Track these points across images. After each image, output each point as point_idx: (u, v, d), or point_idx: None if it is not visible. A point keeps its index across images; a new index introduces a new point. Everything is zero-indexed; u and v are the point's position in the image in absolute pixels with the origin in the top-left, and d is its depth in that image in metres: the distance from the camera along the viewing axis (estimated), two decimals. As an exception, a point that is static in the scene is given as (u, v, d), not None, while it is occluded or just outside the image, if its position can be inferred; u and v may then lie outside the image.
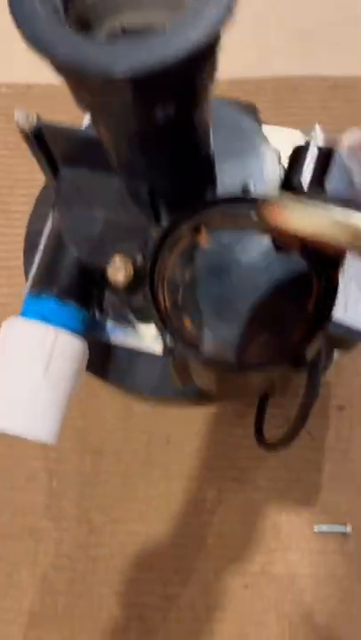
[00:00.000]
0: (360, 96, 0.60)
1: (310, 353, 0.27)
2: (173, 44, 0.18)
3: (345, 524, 0.47)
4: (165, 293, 0.29)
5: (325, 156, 0.25)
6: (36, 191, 0.59)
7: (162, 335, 0.27)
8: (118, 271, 0.26)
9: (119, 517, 0.49)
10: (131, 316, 0.33)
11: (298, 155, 0.26)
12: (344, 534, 0.47)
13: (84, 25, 0.22)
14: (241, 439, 0.50)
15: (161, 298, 0.29)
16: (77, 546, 0.48)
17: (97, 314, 0.35)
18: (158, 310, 0.28)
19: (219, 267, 0.30)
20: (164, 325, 0.27)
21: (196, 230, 0.30)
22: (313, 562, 0.46)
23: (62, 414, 0.30)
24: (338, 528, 0.47)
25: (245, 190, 0.29)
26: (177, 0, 0.22)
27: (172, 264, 0.30)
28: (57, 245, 0.31)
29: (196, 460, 0.50)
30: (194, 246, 0.30)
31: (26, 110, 0.29)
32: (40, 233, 0.36)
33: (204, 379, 0.30)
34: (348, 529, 0.47)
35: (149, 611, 0.46)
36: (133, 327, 0.34)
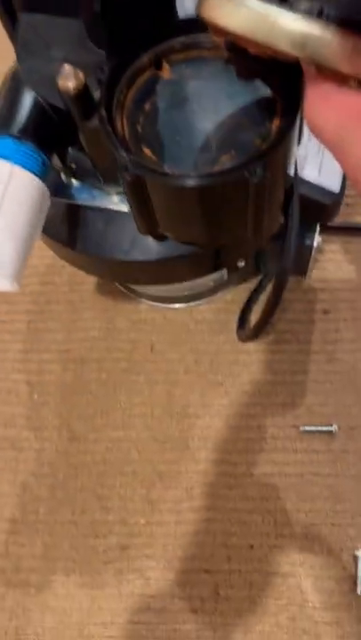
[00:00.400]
0: None
1: (270, 167, 0.26)
2: None
3: (330, 424, 0.46)
4: (125, 123, 0.29)
5: None
6: None
7: (116, 153, 0.26)
8: (67, 79, 0.25)
9: (101, 425, 0.48)
10: (98, 174, 0.33)
11: None
12: (330, 433, 0.45)
13: None
14: (223, 345, 0.49)
15: (119, 126, 0.28)
16: (59, 454, 0.47)
17: (63, 176, 0.34)
18: (115, 133, 0.27)
19: (180, 96, 0.29)
20: (119, 143, 0.27)
21: (158, 62, 0.29)
22: (298, 461, 0.45)
23: (21, 258, 0.29)
24: (324, 427, 0.46)
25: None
26: None
27: (132, 95, 0.29)
28: (15, 87, 0.30)
29: (180, 366, 0.49)
30: (155, 77, 0.29)
31: None
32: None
33: (164, 213, 0.29)
34: (335, 428, 0.45)
35: (132, 515, 0.45)
36: (100, 187, 0.34)
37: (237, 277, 0.49)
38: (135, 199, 0.28)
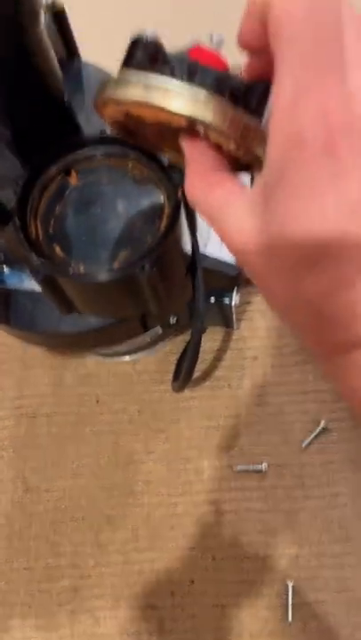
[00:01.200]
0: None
1: (158, 259, 0.31)
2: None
3: (261, 463, 0.50)
4: (38, 226, 0.33)
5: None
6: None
7: (28, 256, 0.31)
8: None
9: (53, 476, 0.52)
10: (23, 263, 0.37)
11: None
12: (260, 472, 0.50)
13: None
14: (164, 394, 0.54)
15: (33, 230, 0.33)
16: (14, 505, 0.51)
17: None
18: (27, 238, 0.32)
19: (86, 200, 0.34)
20: (31, 248, 0.31)
21: (66, 171, 0.34)
22: (233, 499, 0.49)
23: None
24: (255, 466, 0.50)
25: (103, 132, 0.34)
26: None
27: (45, 200, 0.34)
28: None
29: (124, 416, 0.53)
30: (64, 185, 0.34)
31: None
32: None
33: (78, 298, 0.34)
34: (265, 466, 0.50)
35: (83, 558, 0.49)
36: (27, 272, 0.38)
37: (173, 331, 0.54)
38: (49, 291, 0.33)
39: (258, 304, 0.56)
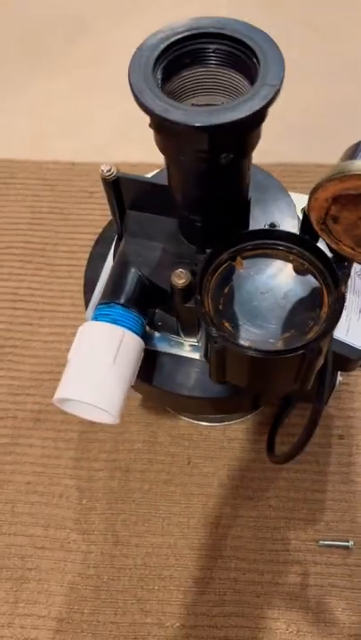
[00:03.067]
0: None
1: (321, 346, 0.35)
2: (239, 112, 0.28)
3: (347, 540, 0.52)
4: (210, 302, 0.38)
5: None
6: (76, 248, 0.69)
7: (207, 328, 0.35)
8: (179, 277, 0.35)
9: (143, 531, 0.54)
10: (177, 328, 0.42)
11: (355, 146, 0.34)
12: (347, 548, 0.52)
13: (175, 98, 0.32)
14: (253, 462, 0.57)
15: (207, 305, 0.37)
16: (104, 556, 0.53)
17: (147, 328, 0.43)
18: (204, 312, 0.36)
19: (251, 284, 0.38)
20: (210, 321, 0.36)
21: (234, 257, 0.39)
22: (318, 573, 0.51)
23: (124, 396, 0.37)
24: (341, 542, 0.52)
25: (272, 225, 0.39)
26: (233, 89, 0.32)
27: (215, 281, 0.39)
28: (123, 266, 0.40)
29: (214, 479, 0.56)
30: (231, 269, 0.39)
31: (109, 164, 0.39)
32: (96, 274, 0.46)
33: (235, 370, 0.38)
34: (351, 543, 0.52)
35: (169, 618, 0.50)
36: (175, 338, 0.42)
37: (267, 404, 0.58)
38: (216, 360, 0.37)
39: (346, 385, 0.60)
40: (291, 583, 0.51)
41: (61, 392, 0.36)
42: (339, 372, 0.52)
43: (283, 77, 0.29)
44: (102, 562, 0.53)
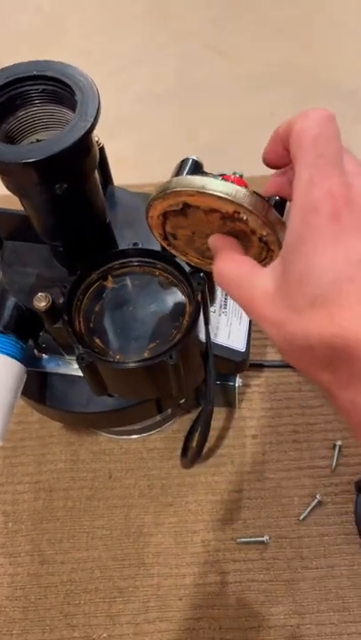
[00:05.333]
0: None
1: (180, 352, 0.37)
2: (57, 145, 0.31)
3: (263, 536, 0.54)
4: (81, 321, 0.40)
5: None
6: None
7: (74, 346, 0.38)
8: (40, 301, 0.37)
9: (68, 548, 0.55)
10: (59, 349, 0.44)
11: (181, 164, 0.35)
12: (263, 543, 0.54)
13: (12, 140, 0.34)
14: (172, 469, 0.59)
15: (77, 324, 0.40)
16: (30, 577, 0.54)
17: (35, 352, 0.45)
18: (74, 331, 0.39)
19: (120, 300, 0.41)
20: (77, 340, 0.38)
21: (105, 277, 0.42)
22: (237, 570, 0.53)
23: (6, 421, 0.39)
24: (257, 538, 0.54)
25: (135, 244, 0.41)
26: (67, 123, 0.35)
27: (87, 300, 0.41)
28: (1, 294, 0.42)
29: (135, 490, 0.58)
30: (102, 287, 0.42)
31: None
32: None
33: (113, 381, 0.40)
34: (266, 538, 0.54)
35: (95, 629, 0.51)
36: (62, 358, 0.45)
37: (181, 411, 0.60)
38: (89, 375, 0.39)
39: (257, 386, 0.62)
40: (211, 582, 0.53)
41: None
42: (238, 376, 0.54)
43: (97, 111, 0.31)
44: (29, 582, 0.54)
